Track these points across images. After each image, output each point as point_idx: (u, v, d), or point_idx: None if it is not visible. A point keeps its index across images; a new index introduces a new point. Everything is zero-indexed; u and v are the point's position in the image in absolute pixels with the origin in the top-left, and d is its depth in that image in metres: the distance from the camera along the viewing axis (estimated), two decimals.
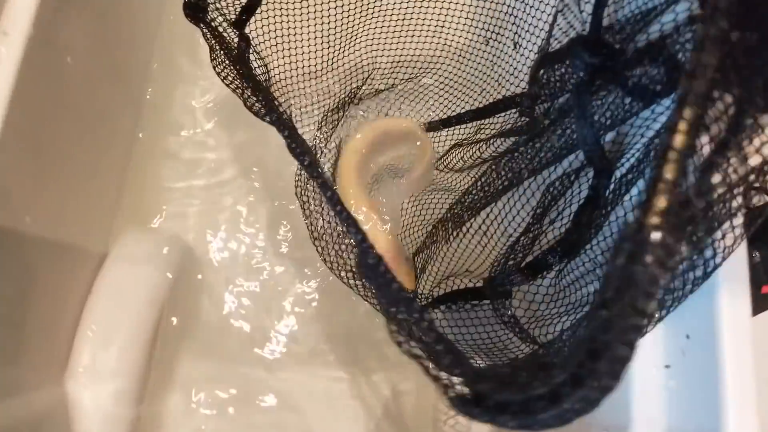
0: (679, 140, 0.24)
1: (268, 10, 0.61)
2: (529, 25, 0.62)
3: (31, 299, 0.64)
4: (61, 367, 0.69)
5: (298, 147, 0.43)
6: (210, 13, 0.54)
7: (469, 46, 0.71)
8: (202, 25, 0.54)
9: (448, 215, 0.64)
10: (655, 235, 0.23)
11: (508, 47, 0.67)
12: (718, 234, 0.36)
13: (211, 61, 0.54)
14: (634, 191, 0.46)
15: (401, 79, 0.74)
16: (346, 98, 0.71)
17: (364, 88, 0.72)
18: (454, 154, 0.71)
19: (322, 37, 0.67)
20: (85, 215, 0.74)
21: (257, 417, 0.74)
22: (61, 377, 0.69)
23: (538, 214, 0.51)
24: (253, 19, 0.59)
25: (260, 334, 0.77)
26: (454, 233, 0.61)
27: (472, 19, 0.69)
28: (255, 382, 0.75)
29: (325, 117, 0.69)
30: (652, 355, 0.46)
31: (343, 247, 0.54)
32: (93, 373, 0.69)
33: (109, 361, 0.69)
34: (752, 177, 0.37)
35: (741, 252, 0.45)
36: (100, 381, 0.68)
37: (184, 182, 0.84)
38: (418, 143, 0.73)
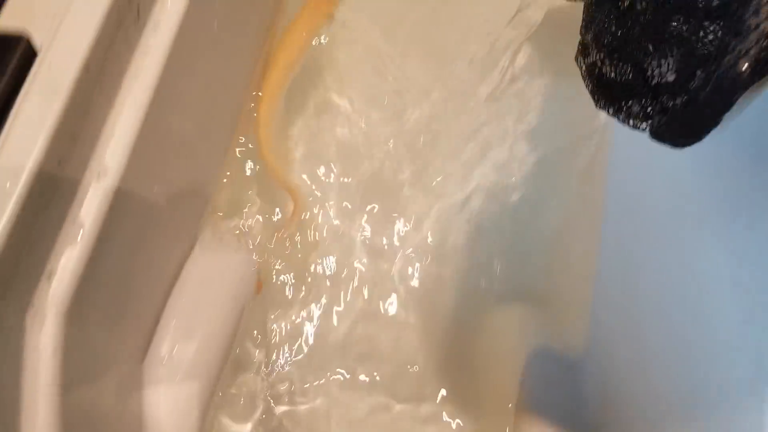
0: None
1: None
2: None
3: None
4: (141, 351, 0.68)
5: None
6: None
7: None
8: None
9: None
10: None
11: None
12: None
13: None
14: None
15: None
16: None
17: None
18: None
19: None
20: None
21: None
22: (140, 362, 0.68)
23: None
24: None
25: (348, 344, 0.80)
26: None
27: None
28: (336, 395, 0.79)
29: None
30: None
31: None
32: (170, 365, 0.68)
33: (186, 354, 0.69)
34: None
35: None
36: (176, 374, 0.68)
37: None
38: None
